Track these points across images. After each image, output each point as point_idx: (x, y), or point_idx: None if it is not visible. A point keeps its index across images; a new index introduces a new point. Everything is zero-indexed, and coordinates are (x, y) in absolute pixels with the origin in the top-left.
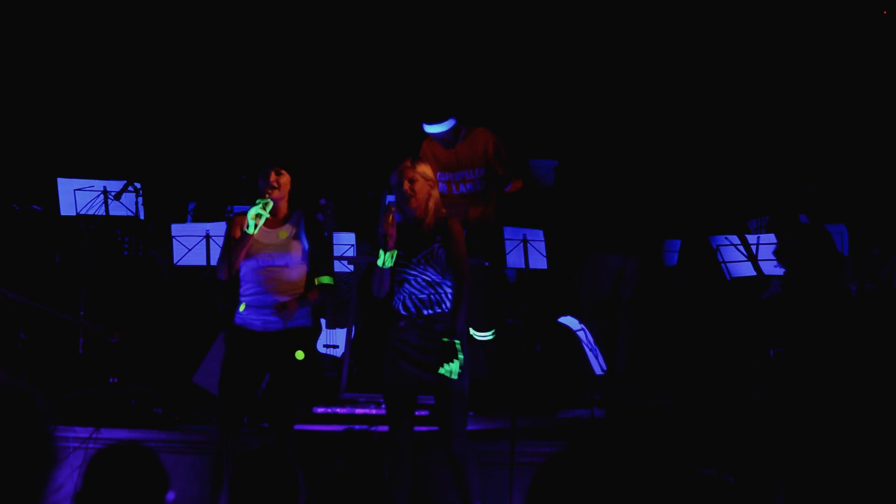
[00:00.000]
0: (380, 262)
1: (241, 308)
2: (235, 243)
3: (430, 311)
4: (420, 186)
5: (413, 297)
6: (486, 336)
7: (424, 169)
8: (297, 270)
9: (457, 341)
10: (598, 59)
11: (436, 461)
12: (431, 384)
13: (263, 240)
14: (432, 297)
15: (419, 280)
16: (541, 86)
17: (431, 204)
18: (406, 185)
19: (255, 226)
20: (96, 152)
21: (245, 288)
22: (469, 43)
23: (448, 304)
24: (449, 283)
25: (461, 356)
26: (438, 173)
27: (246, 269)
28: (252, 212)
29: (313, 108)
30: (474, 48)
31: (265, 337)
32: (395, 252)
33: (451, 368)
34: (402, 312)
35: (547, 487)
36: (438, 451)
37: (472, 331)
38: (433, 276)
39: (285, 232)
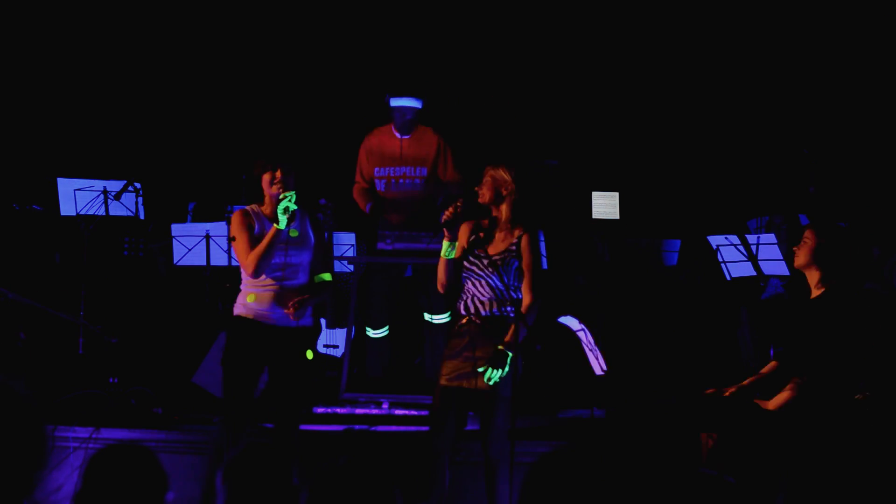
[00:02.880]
0: (442, 253)
1: (250, 299)
2: (268, 240)
3: (487, 313)
4: (488, 188)
5: (475, 298)
6: (442, 319)
7: (499, 173)
8: (308, 268)
9: (509, 353)
10: (599, 59)
11: (455, 462)
12: (480, 386)
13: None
14: (493, 300)
15: (484, 282)
16: (539, 86)
17: (505, 208)
18: (478, 186)
19: (287, 220)
20: (96, 152)
21: (257, 282)
22: (469, 43)
23: (509, 310)
24: (514, 291)
25: (507, 369)
26: (377, 168)
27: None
28: (282, 206)
29: (313, 108)
30: (475, 49)
31: (274, 331)
32: (456, 244)
33: (494, 376)
34: (462, 312)
35: (539, 487)
36: (458, 454)
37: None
38: (497, 282)
39: (295, 231)
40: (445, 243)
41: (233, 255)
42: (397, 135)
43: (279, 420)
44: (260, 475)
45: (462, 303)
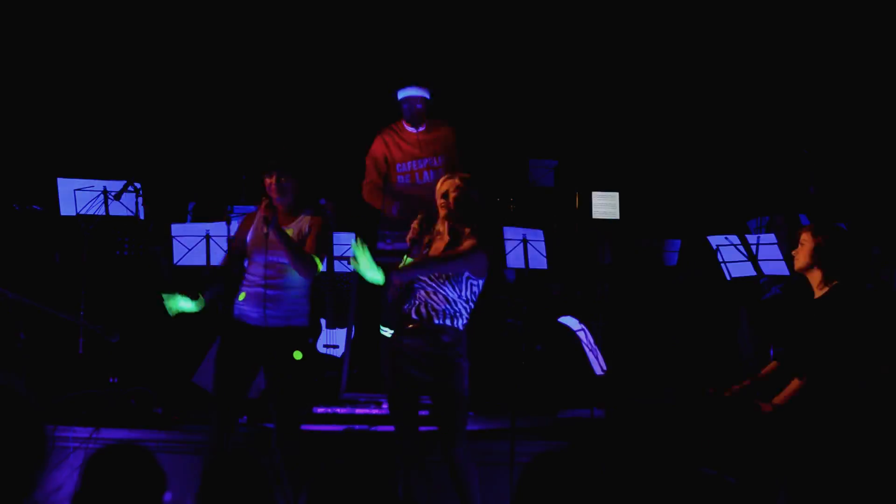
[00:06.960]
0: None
1: (241, 297)
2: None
3: (441, 322)
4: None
5: (428, 304)
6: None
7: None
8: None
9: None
10: (599, 58)
11: (436, 461)
12: (432, 387)
13: (272, 237)
14: (447, 310)
15: (437, 291)
16: (540, 85)
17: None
18: (450, 199)
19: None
20: (96, 152)
21: (248, 279)
22: (469, 43)
23: (460, 320)
24: (463, 300)
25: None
26: (398, 164)
27: (254, 262)
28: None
29: (313, 108)
30: (474, 48)
31: (261, 332)
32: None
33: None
34: (414, 317)
35: (534, 486)
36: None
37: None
38: (449, 292)
39: (291, 230)
40: (409, 260)
41: None
42: (410, 128)
43: (277, 421)
44: (239, 487)
45: (412, 309)
